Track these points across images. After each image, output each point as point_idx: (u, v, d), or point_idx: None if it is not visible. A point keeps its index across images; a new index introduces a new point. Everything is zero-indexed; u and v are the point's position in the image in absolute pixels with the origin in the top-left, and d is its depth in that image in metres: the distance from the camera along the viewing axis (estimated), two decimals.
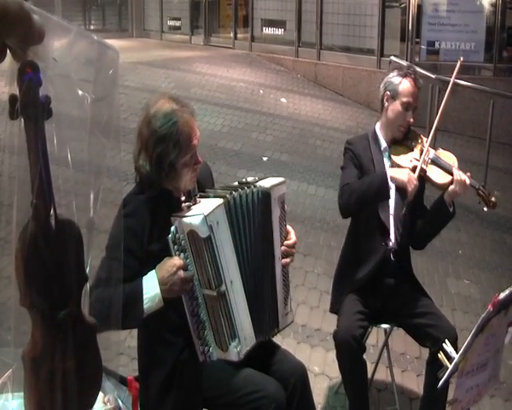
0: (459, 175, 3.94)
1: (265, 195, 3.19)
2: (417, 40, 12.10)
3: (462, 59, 4.40)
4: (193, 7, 17.49)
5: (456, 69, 4.23)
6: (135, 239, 3.01)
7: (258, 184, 3.21)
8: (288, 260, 3.33)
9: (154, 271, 2.96)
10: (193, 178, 3.15)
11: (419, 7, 12.04)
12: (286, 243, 3.32)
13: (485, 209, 4.25)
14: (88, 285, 2.10)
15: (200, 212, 2.92)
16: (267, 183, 3.24)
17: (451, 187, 3.95)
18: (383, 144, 4.20)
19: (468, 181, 3.94)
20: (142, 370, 3.23)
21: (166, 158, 3.00)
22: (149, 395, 3.14)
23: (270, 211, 3.21)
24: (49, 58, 1.78)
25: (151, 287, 2.92)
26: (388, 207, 4.10)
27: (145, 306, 2.90)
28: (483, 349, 2.91)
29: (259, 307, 3.18)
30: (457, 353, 2.83)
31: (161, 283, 2.93)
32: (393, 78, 4.14)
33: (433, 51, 12.08)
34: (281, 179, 3.32)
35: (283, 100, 12.13)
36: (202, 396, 3.11)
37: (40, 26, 1.62)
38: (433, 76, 9.60)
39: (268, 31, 15.27)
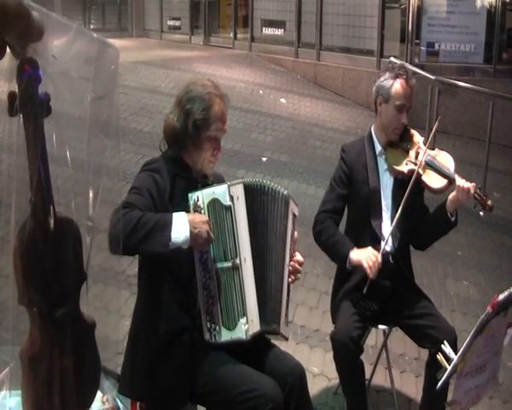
0: (463, 183, 3.91)
1: (286, 198, 3.30)
2: (417, 41, 12.07)
3: (438, 121, 4.38)
4: (193, 7, 17.47)
5: (433, 132, 4.21)
6: (157, 189, 3.10)
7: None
8: (292, 276, 3.36)
9: (183, 212, 2.99)
10: (211, 162, 3.29)
11: (419, 8, 12.02)
12: (296, 258, 3.38)
13: (482, 213, 4.21)
14: (86, 284, 2.09)
15: (223, 183, 3.07)
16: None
17: (453, 194, 3.92)
18: (378, 148, 4.17)
19: (472, 191, 3.92)
20: (133, 335, 3.21)
21: (193, 116, 3.18)
22: (135, 367, 3.12)
23: (288, 214, 3.30)
24: (49, 55, 1.77)
25: (181, 224, 2.94)
26: (381, 213, 4.08)
27: (173, 235, 2.91)
28: (482, 351, 2.91)
29: (264, 296, 3.17)
30: (456, 354, 2.82)
31: (191, 224, 2.95)
32: (385, 81, 4.09)
33: (433, 52, 12.06)
34: (295, 204, 3.43)
35: (283, 100, 12.12)
36: (190, 384, 3.09)
37: (39, 23, 1.62)
38: (432, 77, 9.60)
39: (268, 31, 15.26)
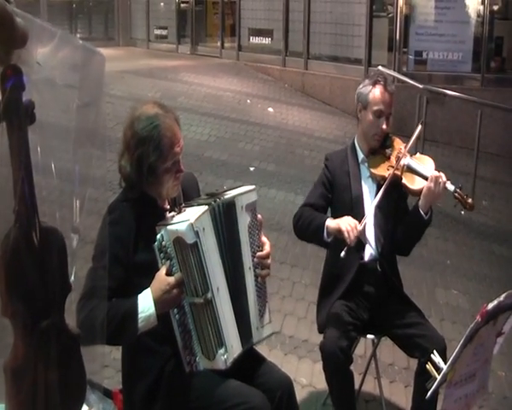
0: (433, 173, 3.93)
1: (232, 202, 3.18)
2: (405, 50, 12.12)
3: (420, 126, 4.39)
4: (180, 16, 17.47)
5: (414, 136, 4.22)
6: (121, 246, 3.02)
7: (225, 194, 3.20)
8: (263, 272, 3.31)
9: (149, 290, 2.96)
10: (175, 186, 3.18)
11: (406, 17, 12.06)
12: (258, 254, 3.30)
13: (463, 213, 4.20)
14: (72, 295, 2.07)
15: (186, 218, 2.93)
16: (234, 192, 3.24)
17: (426, 186, 3.92)
18: (361, 156, 4.20)
19: (444, 177, 3.92)
20: (126, 379, 3.22)
21: (146, 160, 3.03)
22: (133, 405, 3.13)
23: (237, 217, 3.20)
24: (33, 62, 1.76)
25: (146, 306, 2.93)
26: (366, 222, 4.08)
27: (140, 325, 2.92)
28: (471, 360, 2.91)
29: (244, 314, 3.17)
30: (446, 363, 2.82)
31: (156, 302, 2.94)
32: (363, 88, 4.13)
33: (421, 61, 12.08)
34: (250, 187, 3.32)
35: (270, 109, 12.12)
36: (188, 408, 3.09)
37: (23, 30, 1.60)
38: (420, 86, 9.64)
39: (255, 40, 15.27)
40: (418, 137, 4.17)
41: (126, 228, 3.06)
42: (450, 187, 3.98)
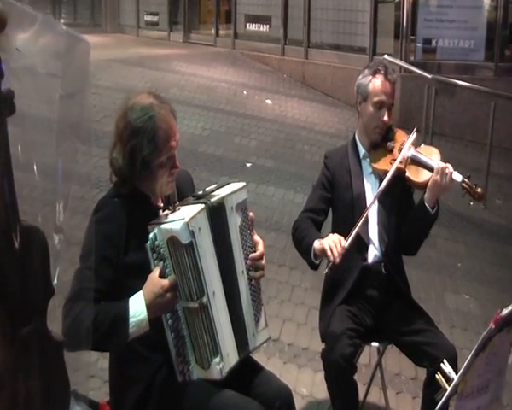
0: (439, 164, 3.93)
1: (221, 203, 3.15)
2: (412, 37, 12.10)
3: (415, 131, 4.35)
4: (172, 1, 17.48)
5: (411, 139, 4.20)
6: (111, 245, 3.02)
7: (213, 195, 3.18)
8: (257, 274, 3.30)
9: (141, 293, 2.95)
10: (170, 183, 3.17)
11: (414, 2, 12.03)
12: (251, 256, 3.29)
13: (472, 203, 4.18)
14: (56, 299, 2.06)
15: (181, 217, 2.92)
16: (223, 192, 3.21)
17: (432, 178, 3.92)
18: (362, 151, 4.20)
19: (450, 168, 3.92)
20: (114, 389, 3.21)
21: (139, 153, 3.03)
22: None
23: (226, 222, 3.18)
24: (13, 48, 1.75)
25: (138, 310, 2.93)
26: (368, 220, 4.08)
27: (130, 330, 2.92)
28: (484, 370, 2.90)
29: (241, 321, 3.17)
30: (456, 373, 2.81)
31: (149, 306, 2.93)
32: (363, 78, 4.13)
33: (430, 49, 12.08)
34: (239, 185, 3.31)
35: (268, 102, 12.13)
36: None
37: (2, 13, 1.59)
38: (429, 76, 9.65)
39: (252, 27, 15.28)
40: (414, 144, 4.13)
41: (117, 226, 3.05)
42: (458, 177, 3.97)
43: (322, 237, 3.87)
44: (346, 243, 3.76)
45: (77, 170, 2.43)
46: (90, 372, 3.86)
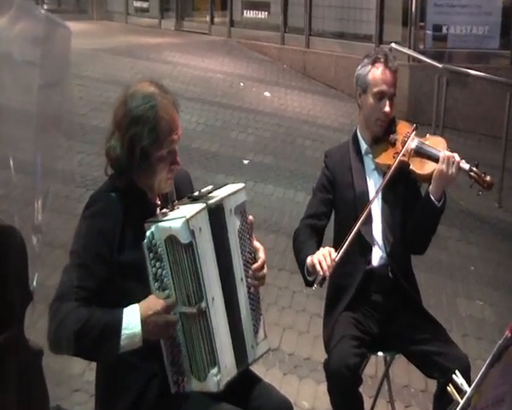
0: (445, 153, 3.91)
1: (220, 205, 3.15)
2: (422, 24, 12.10)
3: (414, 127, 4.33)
4: None
5: (411, 136, 4.17)
6: (104, 242, 3.00)
7: (210, 196, 3.17)
8: (256, 282, 3.30)
9: (136, 305, 2.94)
10: (169, 179, 3.17)
11: None
12: (253, 266, 3.29)
13: (480, 193, 4.15)
14: (36, 305, 2.05)
15: (181, 215, 2.91)
16: (221, 193, 3.20)
17: (437, 168, 3.90)
18: (364, 146, 4.19)
19: (457, 157, 3.90)
20: (101, 402, 3.18)
21: (139, 143, 3.02)
22: None
23: (224, 226, 3.18)
24: None
25: (132, 323, 2.91)
26: (371, 217, 4.07)
27: (122, 342, 2.89)
28: (499, 382, 2.88)
29: (239, 332, 3.16)
30: (470, 385, 2.80)
31: (144, 321, 2.91)
32: (362, 69, 4.13)
33: (440, 37, 12.08)
34: (238, 186, 3.30)
35: (267, 94, 12.14)
36: None
37: None
38: (439, 65, 9.63)
39: (249, 14, 15.31)
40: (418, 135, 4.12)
41: (112, 221, 3.03)
42: (465, 166, 3.96)
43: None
44: (336, 256, 3.76)
45: (60, 167, 2.42)
46: (75, 386, 3.84)
